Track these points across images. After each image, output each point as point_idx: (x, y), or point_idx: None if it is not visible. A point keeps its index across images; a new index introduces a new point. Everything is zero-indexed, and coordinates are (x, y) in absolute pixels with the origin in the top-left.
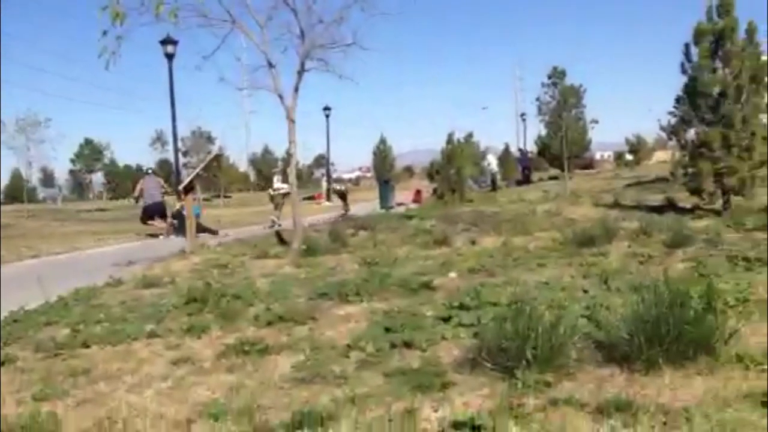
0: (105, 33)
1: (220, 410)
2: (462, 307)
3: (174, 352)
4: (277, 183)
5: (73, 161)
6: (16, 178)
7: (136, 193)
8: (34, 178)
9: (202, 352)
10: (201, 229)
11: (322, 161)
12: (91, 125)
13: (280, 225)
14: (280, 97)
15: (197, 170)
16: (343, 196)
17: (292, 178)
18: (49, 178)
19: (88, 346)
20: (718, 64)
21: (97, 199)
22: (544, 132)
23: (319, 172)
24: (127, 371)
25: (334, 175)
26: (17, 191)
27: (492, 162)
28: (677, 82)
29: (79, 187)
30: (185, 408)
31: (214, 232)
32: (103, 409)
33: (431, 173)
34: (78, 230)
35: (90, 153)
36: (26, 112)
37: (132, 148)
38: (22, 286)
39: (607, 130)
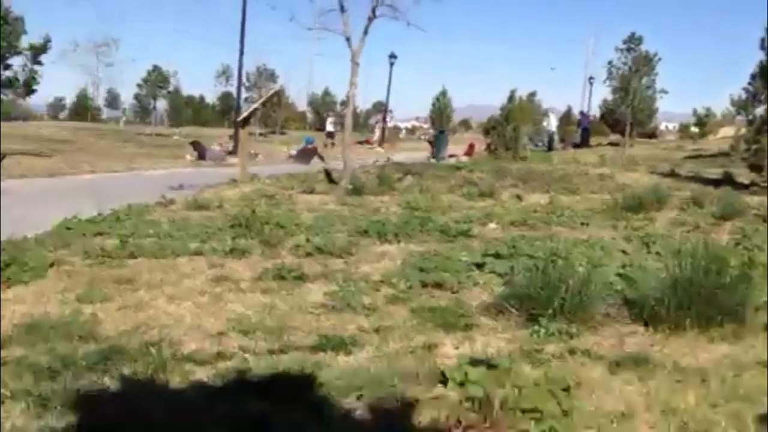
0: None
1: (251, 326)
2: (498, 255)
3: (215, 270)
4: (330, 126)
5: (139, 86)
6: (82, 97)
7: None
8: (101, 98)
9: (241, 273)
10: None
11: (380, 108)
12: (160, 53)
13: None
14: (348, 39)
15: (256, 104)
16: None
17: (348, 120)
18: (114, 100)
19: (134, 257)
20: None
21: (159, 125)
22: (610, 97)
23: (374, 119)
24: (168, 283)
25: (391, 124)
26: (82, 110)
27: (552, 122)
28: (756, 59)
29: (142, 111)
30: (219, 321)
31: (321, 159)
32: (141, 315)
33: (487, 129)
34: (137, 152)
35: (156, 80)
36: (101, 34)
37: (197, 79)
38: (77, 197)
39: (676, 101)
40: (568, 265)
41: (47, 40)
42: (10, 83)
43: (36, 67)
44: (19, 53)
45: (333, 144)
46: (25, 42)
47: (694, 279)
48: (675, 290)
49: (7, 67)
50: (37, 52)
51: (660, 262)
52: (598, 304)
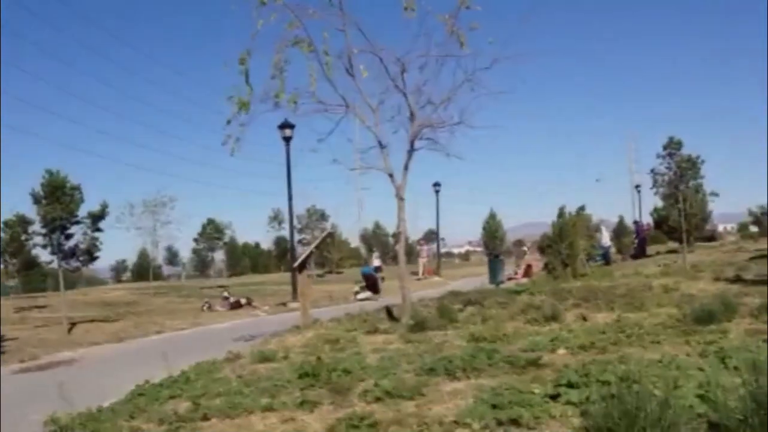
0: (229, 121)
1: None
2: (571, 384)
3: (287, 425)
4: (376, 261)
5: (196, 240)
6: (143, 256)
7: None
8: (160, 256)
9: (314, 425)
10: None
11: (431, 236)
12: (213, 206)
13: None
14: (390, 176)
15: (311, 248)
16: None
17: (401, 254)
18: (173, 256)
19: (207, 419)
20: None
21: (218, 276)
22: (660, 204)
23: (425, 248)
24: None
25: (444, 250)
26: (144, 269)
27: (605, 235)
28: None
29: (201, 264)
30: None
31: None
32: None
33: (542, 247)
34: (200, 306)
35: (212, 232)
36: (155, 194)
37: (251, 227)
38: (147, 360)
39: (730, 202)
40: (643, 389)
41: (104, 206)
42: (73, 253)
43: (96, 234)
44: (78, 222)
45: (383, 279)
46: (83, 210)
47: None
48: (758, 410)
49: (68, 236)
50: (96, 218)
51: (739, 377)
52: (682, 431)
